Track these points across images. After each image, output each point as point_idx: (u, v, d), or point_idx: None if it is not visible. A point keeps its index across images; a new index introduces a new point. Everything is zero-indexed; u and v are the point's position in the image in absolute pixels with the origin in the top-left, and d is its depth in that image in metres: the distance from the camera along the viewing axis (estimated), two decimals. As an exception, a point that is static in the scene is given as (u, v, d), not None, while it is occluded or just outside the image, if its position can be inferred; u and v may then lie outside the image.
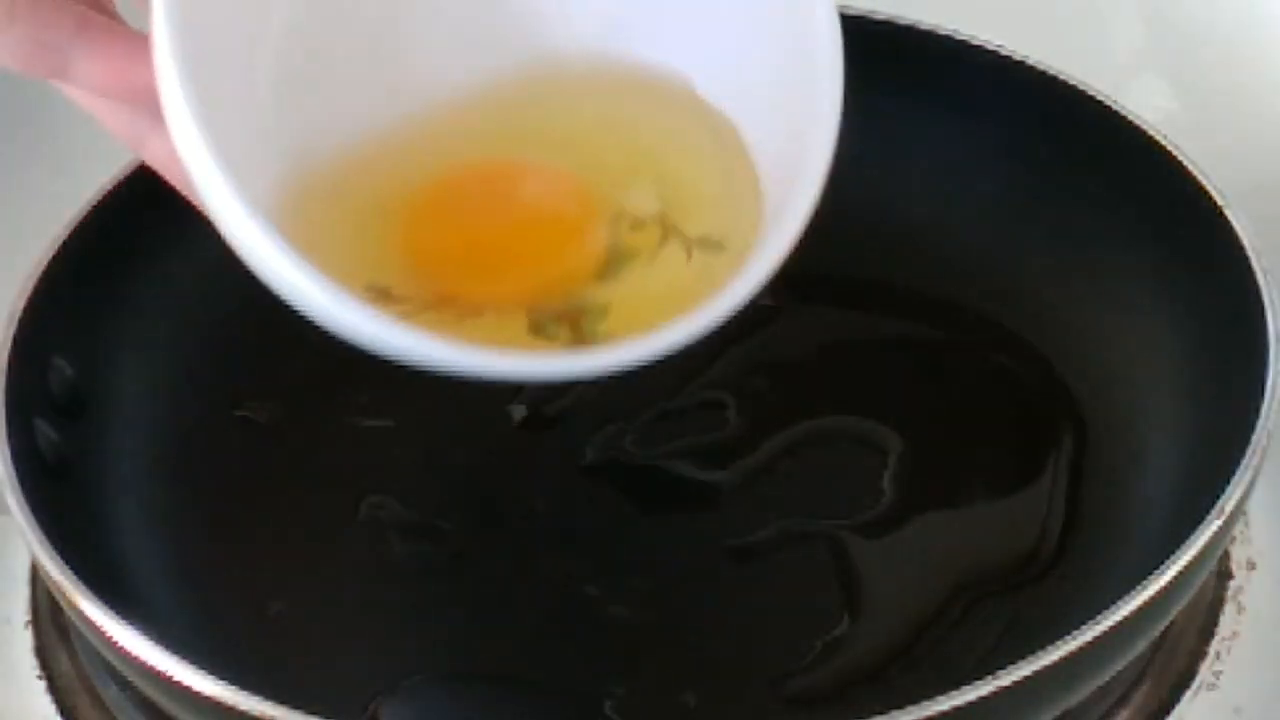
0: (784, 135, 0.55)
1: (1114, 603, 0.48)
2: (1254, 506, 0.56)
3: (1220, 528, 0.50)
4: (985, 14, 0.67)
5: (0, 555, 0.61)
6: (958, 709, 0.46)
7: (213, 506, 0.59)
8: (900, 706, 0.45)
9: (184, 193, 0.49)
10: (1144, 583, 0.48)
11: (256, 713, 0.46)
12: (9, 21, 0.47)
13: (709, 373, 0.63)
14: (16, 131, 0.74)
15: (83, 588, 0.50)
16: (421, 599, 0.57)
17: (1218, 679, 0.56)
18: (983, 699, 0.46)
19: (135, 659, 0.49)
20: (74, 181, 0.62)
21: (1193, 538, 0.49)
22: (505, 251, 0.55)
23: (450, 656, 0.55)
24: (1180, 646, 0.57)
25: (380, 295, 0.54)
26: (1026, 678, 0.46)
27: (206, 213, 0.48)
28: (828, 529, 0.58)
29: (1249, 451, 0.51)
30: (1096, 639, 0.47)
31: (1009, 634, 0.54)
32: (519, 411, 0.62)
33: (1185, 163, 0.60)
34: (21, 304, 0.57)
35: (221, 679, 0.47)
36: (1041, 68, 0.64)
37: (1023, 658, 0.47)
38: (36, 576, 0.60)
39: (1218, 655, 0.57)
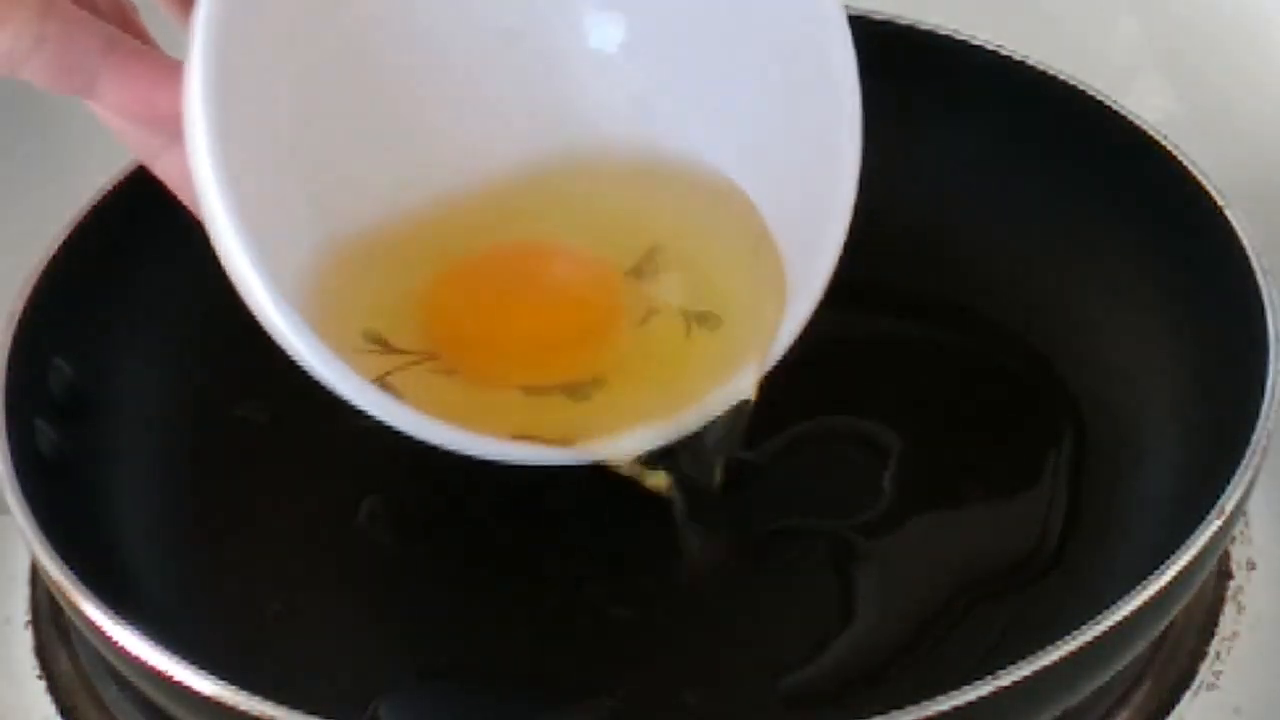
0: (799, 210, 0.55)
1: (1114, 603, 0.48)
2: (1254, 506, 0.56)
3: (1220, 528, 0.50)
4: (985, 14, 0.67)
5: (0, 555, 0.61)
6: (958, 709, 0.46)
7: (213, 506, 0.59)
8: (900, 706, 0.45)
9: (191, 209, 0.50)
10: (1144, 583, 0.48)
11: (256, 713, 0.46)
12: (38, 43, 0.47)
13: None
14: (16, 131, 0.74)
15: (83, 588, 0.50)
16: (421, 599, 0.57)
17: (1218, 679, 0.56)
18: (983, 699, 0.46)
19: (135, 659, 0.49)
20: (74, 181, 0.62)
21: (1193, 538, 0.49)
22: (522, 340, 0.55)
23: (450, 657, 0.55)
24: (1180, 646, 0.57)
25: (376, 344, 0.54)
26: (1026, 678, 0.46)
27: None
28: (828, 529, 0.58)
29: (1249, 451, 0.51)
30: (1096, 639, 0.47)
31: (1009, 634, 0.54)
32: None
33: (1185, 163, 0.60)
34: (21, 304, 0.57)
35: (221, 679, 0.47)
36: (1041, 68, 0.64)
37: (1023, 658, 0.47)
38: (36, 576, 0.60)
39: (1218, 655, 0.57)
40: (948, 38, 0.66)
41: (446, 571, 0.58)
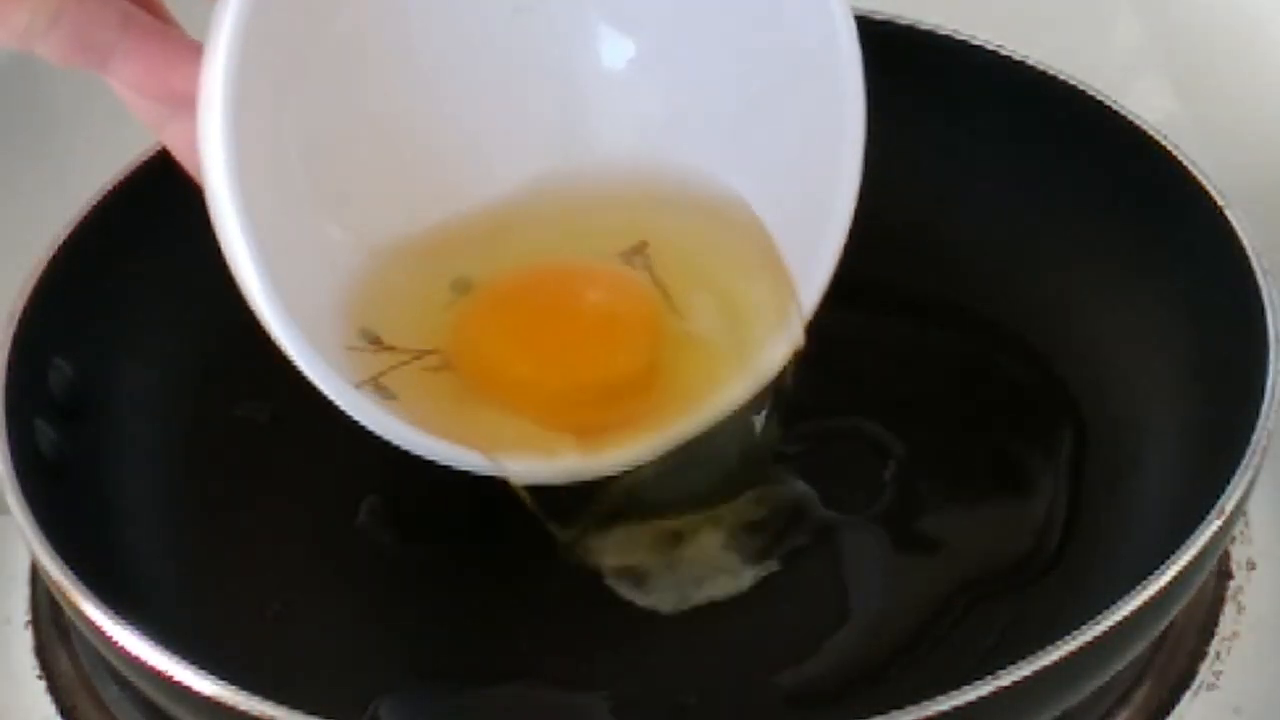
0: (797, 217, 0.55)
1: (1114, 603, 0.48)
2: (1254, 506, 0.56)
3: (1220, 528, 0.50)
4: (985, 14, 0.67)
5: (0, 555, 0.61)
6: (958, 709, 0.46)
7: (212, 506, 0.59)
8: (900, 706, 0.45)
9: (194, 178, 0.50)
10: (1144, 583, 0.48)
11: (256, 713, 0.46)
12: (54, 21, 0.47)
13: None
14: (16, 131, 0.75)
15: (83, 588, 0.50)
16: (421, 599, 0.57)
17: (1218, 679, 0.56)
18: (983, 699, 0.46)
19: (135, 659, 0.49)
20: (74, 181, 0.62)
21: (1193, 538, 0.49)
22: (552, 397, 0.55)
23: (450, 656, 0.55)
24: (1180, 646, 0.57)
25: (371, 341, 0.54)
26: (1026, 678, 0.46)
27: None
28: (828, 528, 0.58)
29: (1249, 451, 0.51)
30: (1096, 639, 0.47)
31: (1009, 634, 0.54)
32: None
33: (1185, 163, 0.60)
34: (21, 304, 0.57)
35: (221, 679, 0.47)
36: (1041, 68, 0.64)
37: (1023, 658, 0.47)
38: (36, 576, 0.60)
39: (1218, 655, 0.57)
40: (948, 38, 0.66)
41: (446, 571, 0.58)
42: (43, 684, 0.58)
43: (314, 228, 0.54)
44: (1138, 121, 0.62)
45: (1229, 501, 0.50)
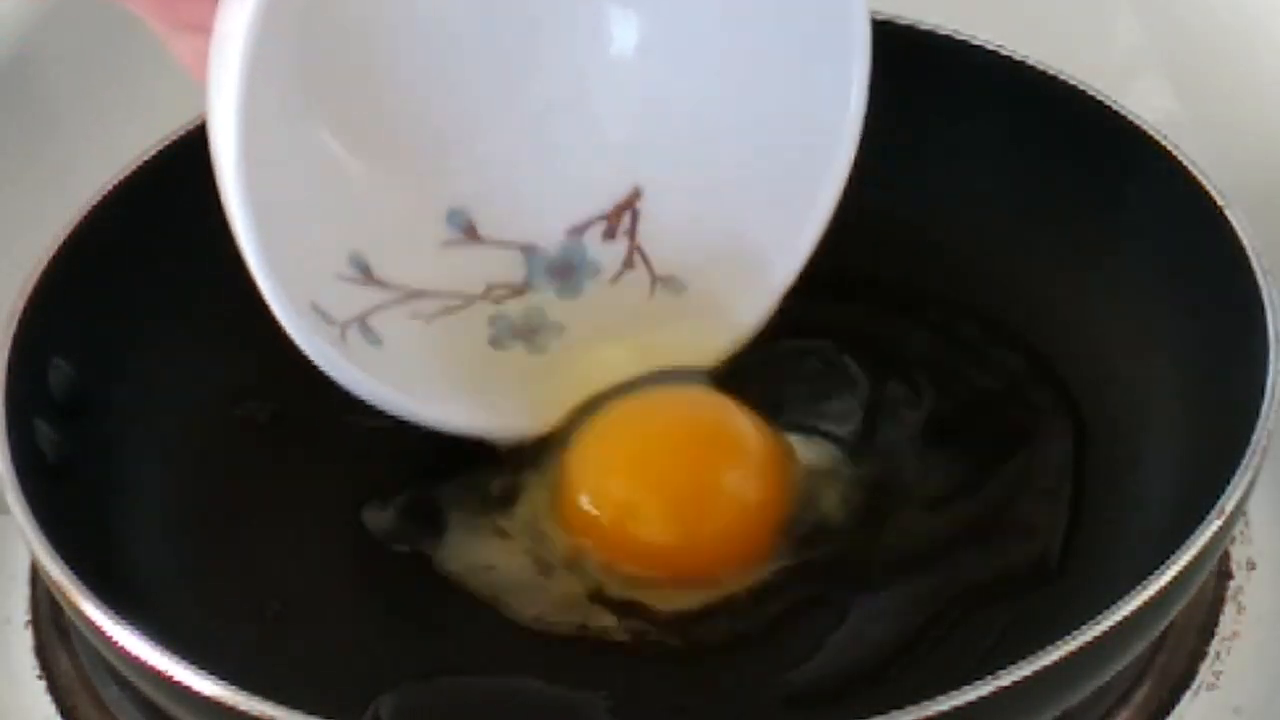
0: (786, 187, 0.55)
1: (1114, 603, 0.48)
2: (1254, 506, 0.56)
3: (1220, 528, 0.50)
4: (985, 14, 0.67)
5: (0, 555, 0.61)
6: (958, 709, 0.46)
7: (212, 506, 0.59)
8: (900, 706, 0.45)
9: (199, 81, 0.50)
10: (1144, 583, 0.48)
11: (256, 713, 0.46)
12: None
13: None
14: (17, 131, 0.74)
15: (83, 588, 0.50)
16: (422, 599, 0.57)
17: (1218, 679, 0.56)
18: (983, 699, 0.46)
19: (135, 659, 0.49)
20: (74, 181, 0.62)
21: (1193, 538, 0.49)
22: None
23: (450, 656, 0.55)
24: (1180, 646, 0.57)
25: (361, 271, 0.54)
26: (1026, 678, 0.46)
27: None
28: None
29: (1249, 451, 0.51)
30: (1096, 639, 0.47)
31: (1009, 634, 0.54)
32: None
33: (1185, 163, 0.60)
34: (21, 304, 0.57)
35: (221, 679, 0.47)
36: (1041, 68, 0.64)
37: (1023, 658, 0.47)
38: (36, 576, 0.60)
39: (1218, 655, 0.57)
40: (948, 38, 0.66)
41: (445, 571, 0.58)
42: (43, 684, 0.58)
43: (311, 140, 0.54)
44: (1138, 121, 0.62)
45: (1229, 501, 0.50)
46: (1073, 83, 0.64)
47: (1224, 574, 0.59)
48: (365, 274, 0.54)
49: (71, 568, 0.50)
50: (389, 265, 0.55)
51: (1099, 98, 0.63)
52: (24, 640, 0.59)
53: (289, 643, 0.55)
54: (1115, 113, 0.62)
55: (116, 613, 0.49)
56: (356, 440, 0.61)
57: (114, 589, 0.51)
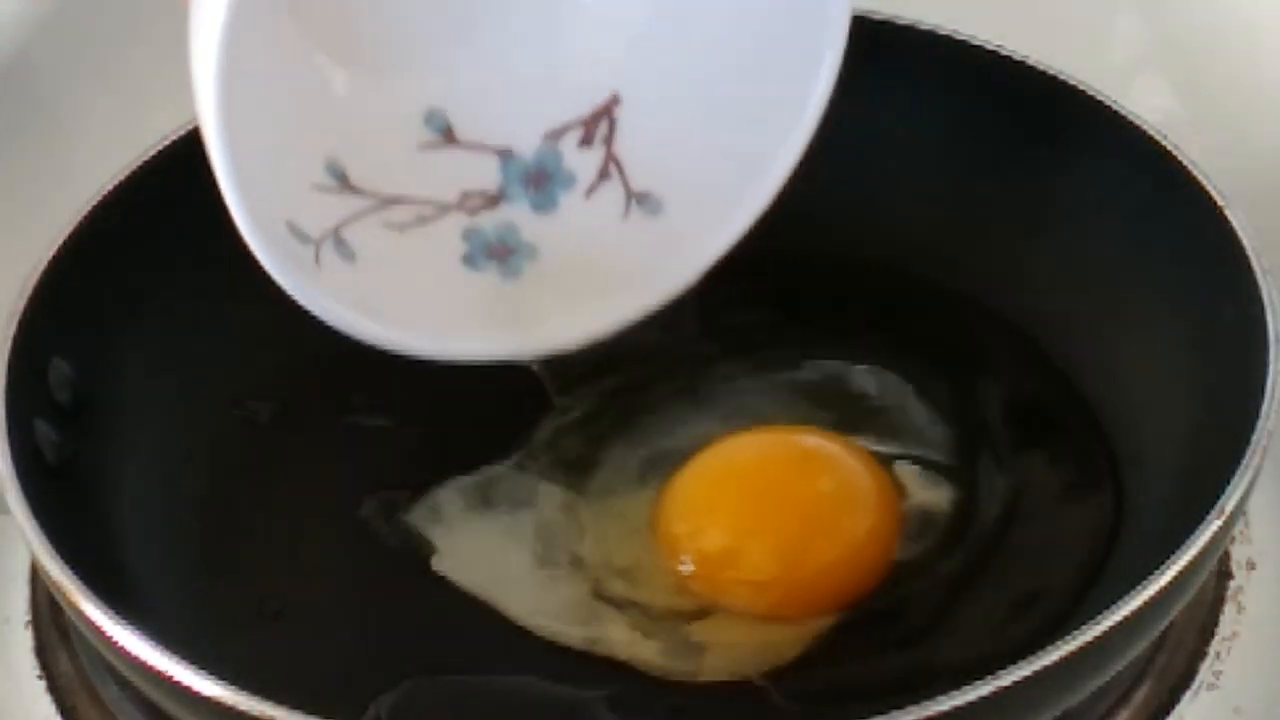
0: (764, 111, 0.55)
1: (1114, 602, 0.48)
2: (1254, 506, 0.56)
3: (1220, 528, 0.50)
4: (986, 14, 0.67)
5: (0, 555, 0.61)
6: (958, 709, 0.46)
7: (212, 506, 0.59)
8: (900, 706, 0.45)
9: None
10: (1144, 583, 0.48)
11: (256, 713, 0.46)
12: None
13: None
14: (16, 131, 0.74)
15: (83, 588, 0.50)
16: (422, 599, 0.57)
17: (1218, 679, 0.56)
18: (983, 699, 0.46)
19: (135, 659, 0.49)
20: (74, 181, 0.62)
21: (1193, 538, 0.49)
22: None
23: (450, 656, 0.55)
24: (1180, 646, 0.57)
25: (338, 179, 0.54)
26: (1026, 678, 0.46)
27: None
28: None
29: (1249, 451, 0.51)
30: (1096, 639, 0.47)
31: (1009, 634, 0.54)
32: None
33: (1185, 163, 0.60)
34: (21, 304, 0.57)
35: (221, 679, 0.47)
36: (1041, 68, 0.64)
37: (1023, 657, 0.47)
38: (36, 576, 0.60)
39: (1218, 655, 0.57)
40: (948, 38, 0.66)
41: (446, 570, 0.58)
42: (43, 684, 0.58)
43: (290, 47, 0.54)
44: (1138, 121, 0.62)
45: (1229, 501, 0.50)
46: (1073, 83, 0.63)
47: (1224, 574, 0.59)
48: (342, 181, 0.54)
49: (71, 568, 0.50)
50: (366, 170, 0.54)
51: (1099, 98, 0.63)
52: (24, 640, 0.59)
53: (289, 643, 0.55)
54: (1115, 113, 0.62)
55: (116, 613, 0.49)
56: (356, 440, 0.61)
57: (114, 589, 0.51)
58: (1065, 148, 0.64)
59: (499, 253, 0.56)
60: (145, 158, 0.62)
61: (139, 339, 0.61)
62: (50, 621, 0.59)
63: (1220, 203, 0.58)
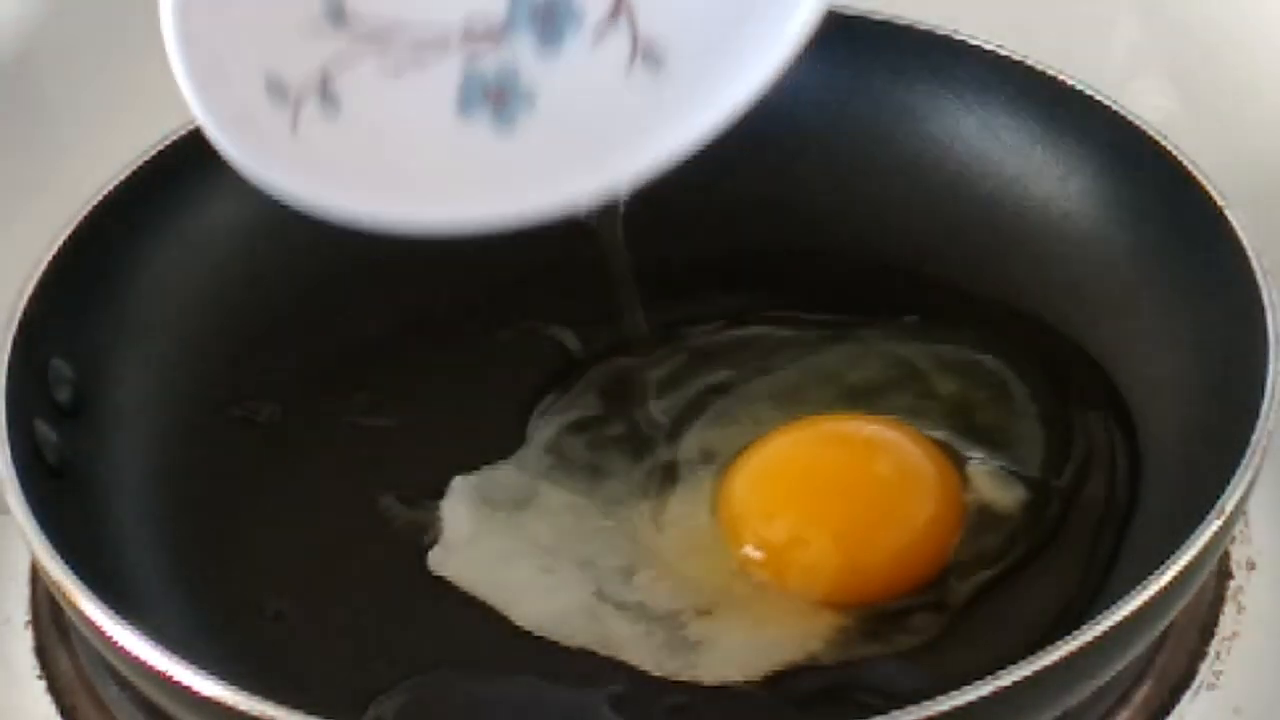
0: None
1: (1114, 602, 0.48)
2: (1254, 506, 0.56)
3: (1220, 528, 0.50)
4: (985, 14, 0.67)
5: (0, 555, 0.61)
6: (958, 709, 0.46)
7: (212, 506, 0.59)
8: (900, 706, 0.45)
9: None
10: (1144, 583, 0.48)
11: (256, 713, 0.46)
12: None
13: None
14: (17, 131, 0.75)
15: (83, 588, 0.50)
16: (422, 599, 0.57)
17: (1218, 679, 0.56)
18: (983, 699, 0.46)
19: (135, 659, 0.49)
20: (74, 181, 0.62)
21: (1193, 538, 0.49)
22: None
23: (450, 656, 0.55)
24: (1180, 646, 0.57)
25: (333, 11, 0.52)
26: (1026, 678, 0.46)
27: None
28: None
29: (1249, 451, 0.51)
30: (1096, 639, 0.47)
31: (1009, 634, 0.54)
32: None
33: (1185, 163, 0.60)
34: (21, 304, 0.57)
35: (221, 679, 0.47)
36: (1041, 68, 0.64)
37: (1023, 657, 0.47)
38: (36, 576, 0.60)
39: (1218, 655, 0.57)
40: (947, 37, 0.66)
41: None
42: (43, 684, 0.58)
43: None
44: (1138, 121, 0.62)
45: (1229, 501, 0.50)
46: (1072, 83, 0.64)
47: (1224, 574, 0.59)
48: (337, 12, 0.52)
49: (71, 568, 0.50)
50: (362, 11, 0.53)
51: (1099, 98, 0.63)
52: (24, 640, 0.59)
53: (289, 643, 0.55)
54: (1115, 113, 0.62)
55: (116, 613, 0.49)
56: (356, 440, 0.61)
57: (114, 589, 0.51)
58: (1065, 148, 0.64)
59: (495, 96, 0.54)
60: (145, 158, 0.62)
61: (139, 339, 0.61)
62: (50, 621, 0.59)
63: (1220, 203, 0.58)
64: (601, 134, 0.54)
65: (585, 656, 0.55)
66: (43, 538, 0.51)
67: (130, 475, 0.58)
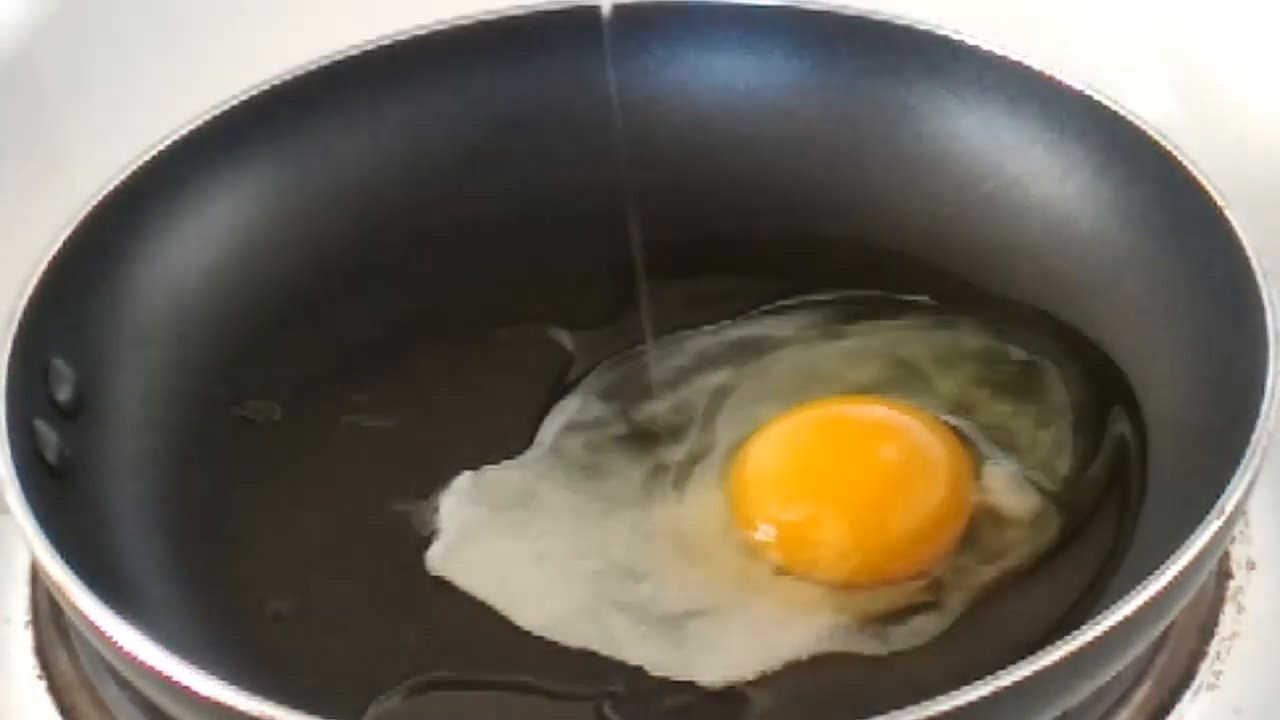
0: None
1: (1114, 603, 0.48)
2: (1254, 506, 0.56)
3: (1220, 528, 0.50)
4: (985, 14, 0.67)
5: (0, 555, 0.61)
6: (958, 709, 0.46)
7: (213, 506, 0.59)
8: (900, 706, 0.45)
9: None
10: (1144, 583, 0.48)
11: (256, 713, 0.46)
12: None
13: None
14: (16, 131, 0.75)
15: (83, 588, 0.50)
16: (422, 599, 0.57)
17: (1218, 679, 0.56)
18: (983, 699, 0.46)
19: (135, 659, 0.49)
20: (74, 181, 0.62)
21: (1193, 538, 0.49)
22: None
23: (450, 657, 0.55)
24: (1180, 646, 0.57)
25: None
26: (1026, 678, 0.46)
27: None
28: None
29: (1249, 451, 0.51)
30: (1096, 639, 0.47)
31: (1009, 634, 0.54)
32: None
33: (1185, 163, 0.60)
34: (21, 304, 0.57)
35: (221, 679, 0.47)
36: (1041, 68, 0.64)
37: (1023, 657, 0.47)
38: (36, 576, 0.60)
39: (1218, 655, 0.57)
40: (947, 37, 0.66)
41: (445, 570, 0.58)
42: (43, 684, 0.57)
43: None
44: (1138, 121, 0.62)
45: (1229, 501, 0.50)
46: (1072, 83, 0.64)
47: (1224, 574, 0.59)
48: None
49: (71, 568, 0.50)
50: None
51: (1099, 98, 0.63)
52: (24, 640, 0.59)
53: (289, 643, 0.55)
54: (1115, 113, 0.62)
55: (116, 613, 0.49)
56: (356, 440, 0.61)
57: (114, 589, 0.51)
58: (1065, 148, 0.64)
59: None
60: (146, 158, 0.62)
61: (139, 339, 0.61)
62: (50, 621, 0.59)
63: (1220, 203, 0.58)
64: None
65: (585, 657, 0.55)
66: (43, 538, 0.51)
67: (130, 475, 0.58)
